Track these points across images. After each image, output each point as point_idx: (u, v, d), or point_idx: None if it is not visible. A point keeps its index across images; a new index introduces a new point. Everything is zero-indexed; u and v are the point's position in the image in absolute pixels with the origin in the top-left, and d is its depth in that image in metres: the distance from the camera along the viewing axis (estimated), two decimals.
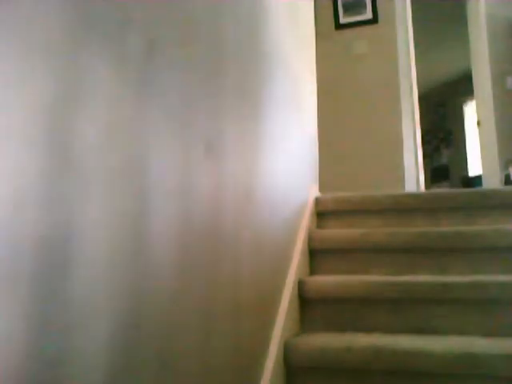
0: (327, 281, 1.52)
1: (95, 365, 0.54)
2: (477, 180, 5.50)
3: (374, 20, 3.53)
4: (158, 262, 0.69)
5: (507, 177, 3.79)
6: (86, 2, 0.55)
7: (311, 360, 1.29)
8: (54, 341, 0.48)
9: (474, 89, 4.16)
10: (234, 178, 1.04)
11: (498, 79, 4.02)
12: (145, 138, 0.67)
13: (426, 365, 1.20)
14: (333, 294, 1.50)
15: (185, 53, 0.81)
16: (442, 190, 1.93)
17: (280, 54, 1.55)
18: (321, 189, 2.98)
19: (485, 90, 4.02)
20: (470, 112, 6.85)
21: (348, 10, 3.60)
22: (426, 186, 7.23)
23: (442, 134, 7.41)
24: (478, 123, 4.08)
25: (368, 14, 3.55)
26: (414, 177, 3.39)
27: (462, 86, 6.93)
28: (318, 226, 1.98)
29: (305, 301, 1.55)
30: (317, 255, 1.76)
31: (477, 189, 1.86)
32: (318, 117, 3.41)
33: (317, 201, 1.98)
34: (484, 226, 1.64)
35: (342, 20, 3.61)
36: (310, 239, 1.75)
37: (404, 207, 1.87)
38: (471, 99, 6.69)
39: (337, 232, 1.74)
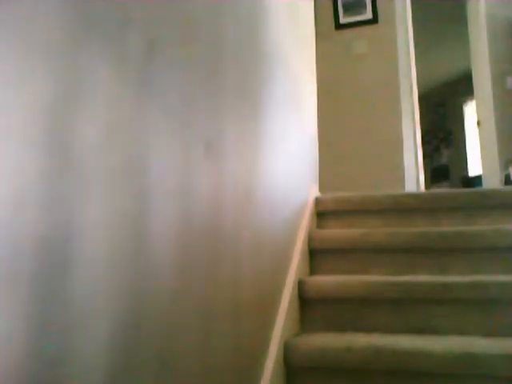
0: (327, 281, 1.52)
1: (95, 365, 0.54)
2: (477, 180, 5.50)
3: (374, 20, 3.53)
4: (157, 262, 0.69)
5: (507, 177, 3.79)
6: (85, 1, 0.55)
7: (311, 360, 1.29)
8: (54, 341, 0.48)
9: (474, 89, 4.16)
10: (233, 178, 1.04)
11: (498, 79, 4.02)
12: (145, 138, 0.67)
13: (426, 365, 1.20)
14: (333, 294, 1.50)
15: (185, 53, 0.81)
16: (441, 190, 1.93)
17: (280, 53, 1.55)
18: (321, 189, 2.98)
19: (485, 90, 4.02)
20: (470, 112, 6.85)
21: (348, 10, 3.60)
22: (426, 186, 7.23)
23: (442, 134, 7.40)
24: (478, 123, 4.08)
25: (368, 14, 3.55)
26: (414, 177, 3.39)
27: (462, 86, 6.93)
28: (318, 226, 1.98)
29: (305, 301, 1.55)
30: (317, 255, 1.76)
31: (477, 189, 1.86)
32: (318, 117, 3.41)
33: (317, 201, 1.98)
34: (484, 226, 1.64)
35: (342, 20, 3.61)
36: (310, 239, 1.75)
37: (404, 207, 1.87)
38: (471, 99, 6.69)
39: (337, 232, 1.74)
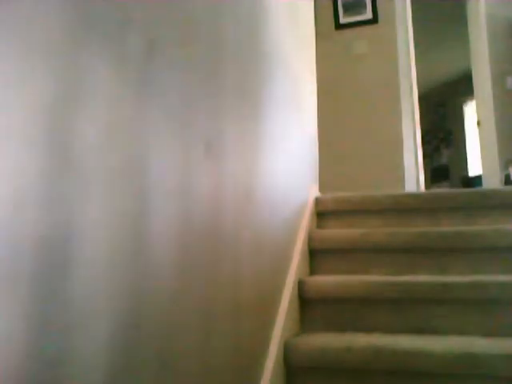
0: (327, 281, 1.52)
1: (95, 365, 0.54)
2: (477, 180, 5.50)
3: (374, 20, 3.53)
4: (158, 262, 0.69)
5: (507, 177, 3.79)
6: (85, 1, 0.55)
7: (311, 360, 1.29)
8: (54, 341, 0.48)
9: (474, 89, 4.16)
10: (233, 178, 1.04)
11: (498, 79, 4.02)
12: (145, 138, 0.67)
13: (426, 365, 1.20)
14: (333, 294, 1.50)
15: (185, 53, 0.81)
16: (441, 190, 1.93)
17: (280, 53, 1.55)
18: (321, 189, 2.98)
19: (485, 90, 4.02)
20: (470, 112, 6.85)
21: (348, 10, 3.60)
22: (426, 186, 7.23)
23: (442, 134, 7.41)
24: (478, 123, 4.08)
25: (368, 14, 3.55)
26: (414, 177, 3.39)
27: (462, 86, 6.93)
28: (318, 226, 1.98)
29: (305, 301, 1.55)
30: (317, 255, 1.76)
31: (477, 189, 1.86)
32: (318, 117, 3.41)
33: (317, 201, 1.98)
34: (484, 226, 1.64)
35: (342, 20, 3.61)
36: (310, 239, 1.75)
37: (404, 207, 1.87)
38: (471, 99, 6.69)
39: (337, 232, 1.74)
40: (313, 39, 2.31)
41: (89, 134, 0.55)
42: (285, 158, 1.54)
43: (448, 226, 1.83)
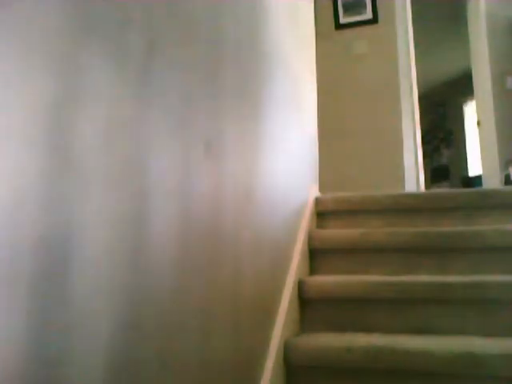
0: (327, 281, 1.52)
1: (95, 365, 0.54)
2: (477, 180, 5.50)
3: (374, 20, 3.53)
4: (157, 262, 0.69)
5: (507, 177, 3.79)
6: (86, 1, 0.55)
7: (311, 360, 1.29)
8: (54, 341, 0.48)
9: (474, 89, 4.16)
10: (233, 178, 1.04)
11: (498, 79, 4.02)
12: (145, 138, 0.67)
13: (426, 365, 1.21)
14: (333, 294, 1.50)
15: (185, 53, 0.81)
16: (441, 189, 1.93)
17: (280, 53, 1.55)
18: (321, 189, 2.98)
19: (485, 90, 4.02)
20: (470, 112, 6.85)
21: (348, 10, 3.60)
22: (426, 186, 7.23)
23: (442, 133, 7.40)
24: (478, 123, 4.08)
25: (368, 14, 3.55)
26: (413, 177, 3.39)
27: (462, 86, 6.93)
28: (318, 226, 1.98)
29: (305, 301, 1.55)
30: (317, 255, 1.76)
31: (477, 189, 1.86)
32: (318, 117, 3.41)
33: (317, 201, 1.98)
34: (484, 226, 1.64)
35: (342, 20, 3.61)
36: (310, 239, 1.75)
37: (404, 207, 1.87)
38: (471, 99, 6.69)
39: (337, 232, 1.74)
40: (313, 39, 2.31)
41: (89, 134, 0.55)
42: (285, 158, 1.54)
43: (448, 226, 1.83)
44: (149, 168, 0.68)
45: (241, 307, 1.04)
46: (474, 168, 6.71)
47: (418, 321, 1.44)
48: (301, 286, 1.53)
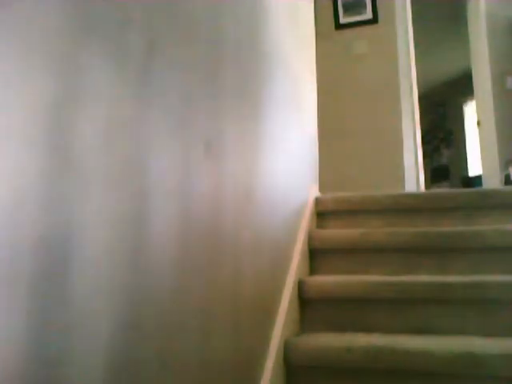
0: (327, 281, 1.52)
1: (95, 365, 0.54)
2: (477, 180, 5.50)
3: (374, 20, 3.53)
4: (157, 262, 0.69)
5: (507, 177, 3.79)
6: (86, 1, 0.55)
7: (311, 360, 1.29)
8: (54, 341, 0.48)
9: (474, 89, 4.16)
10: (233, 178, 1.04)
11: (498, 79, 4.02)
12: (145, 138, 0.67)
13: (426, 365, 1.21)
14: (333, 294, 1.50)
15: (185, 53, 0.81)
16: (441, 189, 1.93)
17: (280, 53, 1.55)
18: (321, 189, 2.98)
19: (485, 90, 4.02)
20: (470, 112, 6.85)
21: (348, 10, 3.60)
22: (426, 186, 7.23)
23: (442, 133, 7.40)
24: (478, 123, 4.08)
25: (368, 14, 3.55)
26: (413, 177, 3.39)
27: (462, 86, 6.93)
28: (318, 226, 1.98)
29: (305, 301, 1.55)
30: (317, 255, 1.76)
31: (477, 189, 1.86)
32: (318, 117, 3.41)
33: (317, 201, 1.98)
34: (484, 226, 1.64)
35: (342, 20, 3.61)
36: (310, 239, 1.75)
37: (404, 207, 1.87)
38: (471, 99, 6.69)
39: (337, 232, 1.74)
40: (313, 39, 2.31)
41: (89, 134, 0.55)
42: (285, 158, 1.54)
43: (448, 226, 1.83)
44: (149, 168, 0.68)
45: (241, 307, 1.04)
46: (474, 168, 6.71)
47: (418, 321, 1.44)
48: (301, 285, 1.53)
